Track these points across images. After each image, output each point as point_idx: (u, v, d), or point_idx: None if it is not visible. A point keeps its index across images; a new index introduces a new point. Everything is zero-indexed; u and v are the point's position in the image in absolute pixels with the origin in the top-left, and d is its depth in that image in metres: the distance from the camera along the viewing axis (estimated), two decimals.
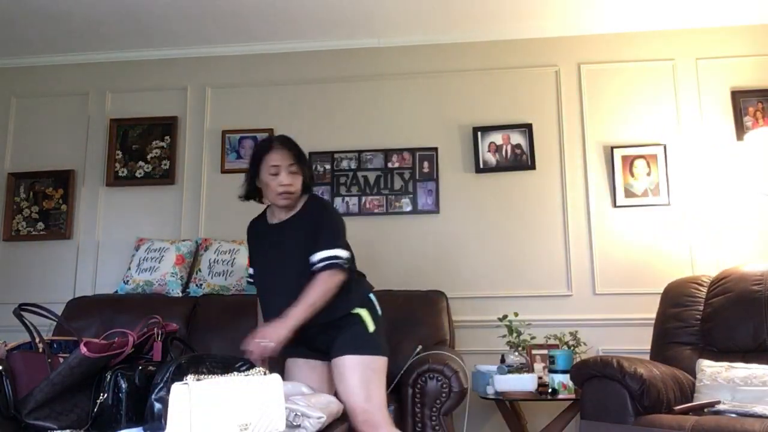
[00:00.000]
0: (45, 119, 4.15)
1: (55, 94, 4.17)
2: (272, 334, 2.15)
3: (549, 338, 3.29)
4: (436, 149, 3.82)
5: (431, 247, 3.72)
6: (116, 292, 3.59)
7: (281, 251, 2.34)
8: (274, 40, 4.01)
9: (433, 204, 3.76)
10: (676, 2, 3.63)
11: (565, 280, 3.63)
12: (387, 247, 3.73)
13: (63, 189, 4.02)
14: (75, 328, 2.24)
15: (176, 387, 1.31)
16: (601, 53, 3.85)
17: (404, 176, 3.80)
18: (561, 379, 2.89)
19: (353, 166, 3.85)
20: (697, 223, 3.58)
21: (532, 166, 3.74)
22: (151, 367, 1.53)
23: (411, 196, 3.78)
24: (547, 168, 3.75)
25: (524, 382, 2.93)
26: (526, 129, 3.78)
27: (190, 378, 1.34)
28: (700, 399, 2.54)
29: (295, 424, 1.64)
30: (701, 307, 2.96)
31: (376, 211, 3.78)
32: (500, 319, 3.25)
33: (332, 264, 2.24)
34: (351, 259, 2.34)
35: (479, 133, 3.79)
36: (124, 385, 1.47)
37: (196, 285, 3.54)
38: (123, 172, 4.01)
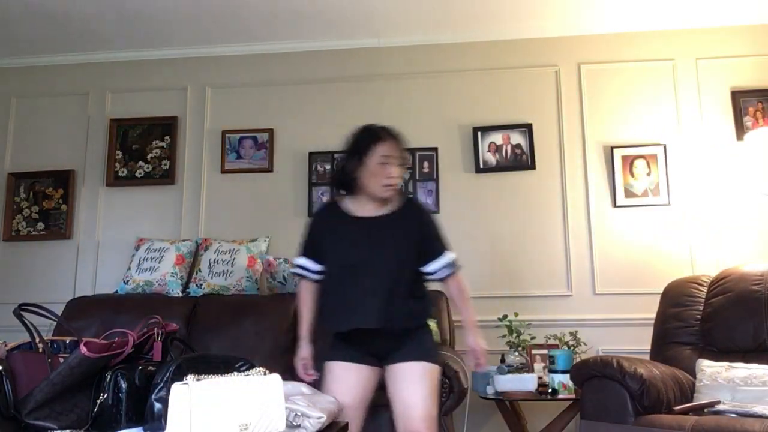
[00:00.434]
0: (45, 119, 4.16)
1: (55, 94, 4.17)
2: (484, 352, 2.23)
3: (549, 338, 3.29)
4: (436, 149, 3.82)
5: None
6: (116, 292, 3.59)
7: (377, 248, 2.18)
8: (274, 40, 4.01)
9: (433, 204, 3.76)
10: (676, 2, 3.62)
11: (565, 280, 3.63)
12: None
13: (63, 189, 4.02)
14: (75, 328, 2.24)
15: (176, 387, 1.31)
16: (601, 53, 3.85)
17: (404, 176, 3.80)
18: (561, 379, 2.89)
19: None
20: (697, 223, 3.58)
21: (532, 166, 3.74)
22: (151, 367, 1.53)
23: (411, 196, 3.77)
24: (547, 168, 3.75)
25: (524, 382, 2.94)
26: (526, 129, 3.78)
27: (190, 378, 1.34)
28: (700, 399, 2.54)
29: (295, 424, 1.63)
30: (701, 307, 2.96)
31: None
32: (500, 319, 3.25)
33: (457, 268, 2.27)
34: None
35: (479, 133, 3.79)
36: (124, 385, 1.47)
37: (196, 285, 3.54)
38: (123, 172, 4.01)
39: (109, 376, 1.49)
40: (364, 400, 2.19)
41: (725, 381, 2.56)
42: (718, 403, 2.42)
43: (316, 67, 4.02)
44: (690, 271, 3.48)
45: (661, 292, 3.14)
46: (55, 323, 2.72)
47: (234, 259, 3.56)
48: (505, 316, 3.25)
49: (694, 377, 2.70)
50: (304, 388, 1.95)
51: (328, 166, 3.86)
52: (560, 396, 2.90)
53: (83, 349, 1.44)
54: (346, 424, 1.99)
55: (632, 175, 3.67)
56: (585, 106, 3.79)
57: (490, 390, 2.97)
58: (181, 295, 3.53)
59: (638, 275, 3.57)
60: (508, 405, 3.15)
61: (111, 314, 3.33)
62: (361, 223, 2.23)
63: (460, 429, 2.99)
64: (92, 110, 4.13)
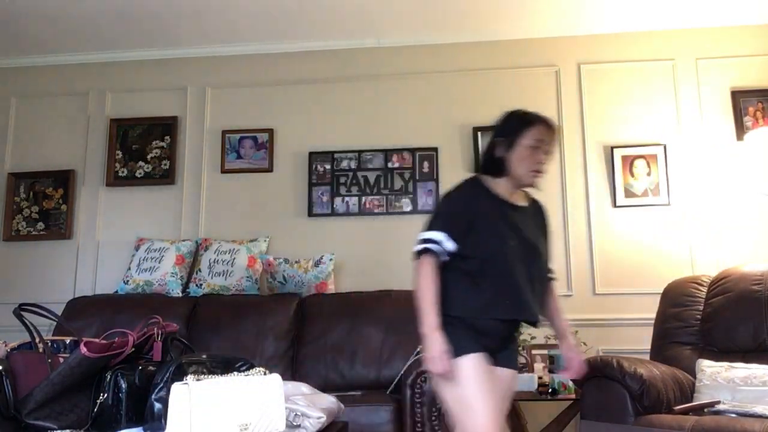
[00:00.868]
0: (45, 119, 4.15)
1: (55, 94, 4.17)
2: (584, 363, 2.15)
3: (549, 338, 3.28)
4: (436, 149, 3.82)
5: None
6: (116, 292, 3.59)
7: (533, 238, 2.06)
8: (274, 40, 4.01)
9: (433, 204, 3.76)
10: (676, 2, 3.62)
11: (565, 280, 3.62)
12: (387, 247, 3.73)
13: (63, 189, 4.02)
14: (75, 328, 2.24)
15: (176, 387, 1.31)
16: (601, 53, 3.85)
17: (404, 176, 3.80)
18: (561, 379, 2.89)
19: (353, 166, 3.85)
20: (697, 223, 3.58)
21: None
22: (151, 367, 1.53)
23: (411, 196, 3.78)
24: (547, 168, 3.74)
25: (524, 382, 2.93)
26: None
27: (190, 378, 1.34)
28: (700, 399, 2.54)
29: (295, 424, 1.64)
30: (701, 307, 2.96)
31: (376, 211, 3.78)
32: None
33: (555, 275, 2.22)
34: None
35: (479, 133, 3.79)
36: (124, 385, 1.47)
37: (196, 285, 3.54)
38: (123, 172, 4.01)
39: (109, 376, 1.49)
40: (506, 401, 2.12)
41: (725, 381, 2.56)
42: (718, 403, 2.42)
43: (316, 67, 4.02)
44: (690, 271, 3.48)
45: (661, 292, 3.14)
46: (55, 323, 2.72)
47: (234, 259, 3.56)
48: None
49: (694, 377, 2.69)
50: (305, 388, 1.95)
51: (328, 166, 3.86)
52: (560, 396, 2.90)
53: (83, 349, 1.44)
54: (346, 424, 1.98)
55: (632, 175, 3.66)
56: (585, 106, 3.79)
57: None
58: (181, 295, 3.53)
59: (638, 275, 3.57)
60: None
61: (111, 314, 3.33)
62: (514, 210, 2.07)
63: None
64: (92, 110, 4.13)
